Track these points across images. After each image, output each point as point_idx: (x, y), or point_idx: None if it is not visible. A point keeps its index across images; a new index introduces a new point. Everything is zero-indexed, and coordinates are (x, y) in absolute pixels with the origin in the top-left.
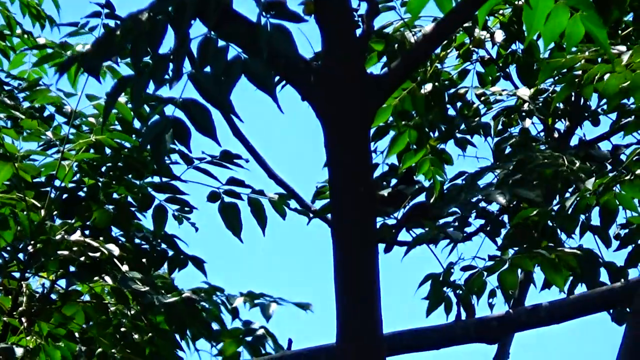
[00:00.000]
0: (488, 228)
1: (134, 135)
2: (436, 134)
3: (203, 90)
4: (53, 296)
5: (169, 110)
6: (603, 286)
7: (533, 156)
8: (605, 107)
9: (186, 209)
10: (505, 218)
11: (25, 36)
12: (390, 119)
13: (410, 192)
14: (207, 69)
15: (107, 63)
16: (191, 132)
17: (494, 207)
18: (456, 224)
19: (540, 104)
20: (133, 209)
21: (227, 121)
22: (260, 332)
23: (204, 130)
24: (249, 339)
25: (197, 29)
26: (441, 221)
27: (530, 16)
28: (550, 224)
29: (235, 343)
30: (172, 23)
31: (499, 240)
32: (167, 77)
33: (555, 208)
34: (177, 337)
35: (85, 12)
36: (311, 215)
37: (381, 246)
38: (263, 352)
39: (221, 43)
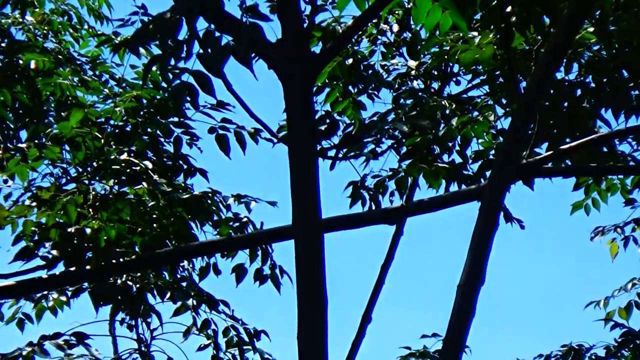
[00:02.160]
0: (395, 146)
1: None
2: (355, 90)
3: (206, 64)
4: (109, 195)
5: (185, 77)
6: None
7: (425, 99)
8: (463, 71)
9: (194, 138)
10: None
11: (90, 29)
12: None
13: (337, 126)
14: (208, 50)
15: None
16: (198, 91)
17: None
18: (373, 145)
19: (422, 71)
20: (160, 138)
21: (224, 82)
22: (244, 220)
23: (206, 90)
24: (237, 224)
25: (201, 24)
26: (362, 144)
27: (416, 13)
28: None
29: (227, 227)
30: (185, 20)
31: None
32: (182, 55)
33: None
34: (191, 223)
35: (129, 9)
36: (276, 140)
37: (327, 164)
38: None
39: (217, 34)
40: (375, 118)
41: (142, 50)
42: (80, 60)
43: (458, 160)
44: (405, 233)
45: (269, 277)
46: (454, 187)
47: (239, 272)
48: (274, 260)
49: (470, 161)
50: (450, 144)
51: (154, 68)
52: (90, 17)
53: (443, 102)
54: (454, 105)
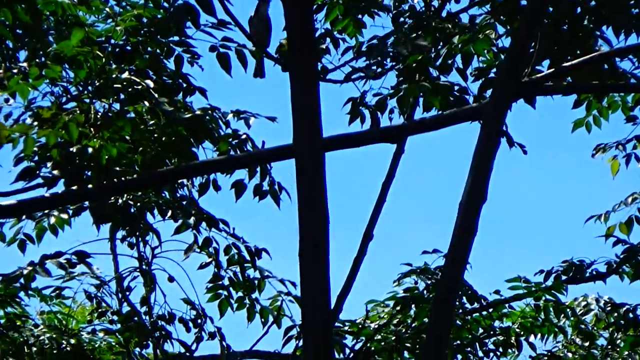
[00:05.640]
0: (397, 67)
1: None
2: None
3: None
4: (110, 114)
5: None
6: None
7: (426, 20)
8: None
9: (195, 56)
10: None
11: None
12: None
13: None
14: None
15: None
16: (200, 11)
17: None
18: (375, 67)
19: None
20: (161, 57)
21: (221, 4)
22: (244, 137)
23: (207, 11)
24: (236, 141)
25: None
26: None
27: None
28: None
29: (226, 143)
30: None
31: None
32: None
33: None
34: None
35: None
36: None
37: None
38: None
39: None
40: (374, 41)
41: None
42: None
43: (458, 79)
44: (407, 150)
45: (269, 193)
46: None
47: (238, 188)
48: (272, 177)
49: (471, 80)
50: (451, 62)
51: None
52: None
53: (445, 25)
54: (456, 28)
